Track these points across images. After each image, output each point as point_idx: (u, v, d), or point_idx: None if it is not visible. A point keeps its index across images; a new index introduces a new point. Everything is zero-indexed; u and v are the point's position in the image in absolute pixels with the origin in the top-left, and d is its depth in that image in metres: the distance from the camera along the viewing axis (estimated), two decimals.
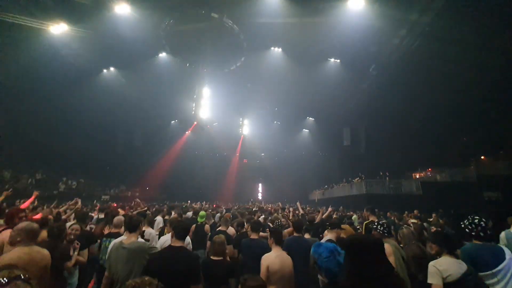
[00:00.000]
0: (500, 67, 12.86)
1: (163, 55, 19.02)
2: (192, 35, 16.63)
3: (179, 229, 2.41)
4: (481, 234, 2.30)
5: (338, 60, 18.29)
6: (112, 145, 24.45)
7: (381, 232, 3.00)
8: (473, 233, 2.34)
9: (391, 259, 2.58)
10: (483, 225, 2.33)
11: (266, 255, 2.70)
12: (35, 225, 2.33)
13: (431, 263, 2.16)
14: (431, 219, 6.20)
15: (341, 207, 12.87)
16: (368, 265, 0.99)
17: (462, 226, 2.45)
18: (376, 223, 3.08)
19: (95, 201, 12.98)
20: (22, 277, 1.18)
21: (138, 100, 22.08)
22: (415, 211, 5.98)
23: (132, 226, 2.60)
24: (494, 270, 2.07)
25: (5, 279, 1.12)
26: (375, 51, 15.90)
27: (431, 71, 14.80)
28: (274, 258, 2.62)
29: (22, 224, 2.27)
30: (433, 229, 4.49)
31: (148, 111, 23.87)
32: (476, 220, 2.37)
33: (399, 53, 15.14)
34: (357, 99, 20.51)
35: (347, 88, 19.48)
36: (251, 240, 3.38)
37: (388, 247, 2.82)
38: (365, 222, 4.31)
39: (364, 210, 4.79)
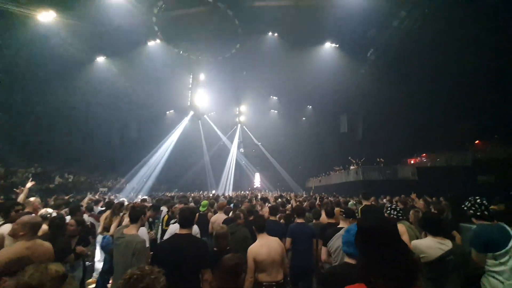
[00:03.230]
0: (499, 51, 12.75)
1: (155, 42, 18.40)
2: (185, 21, 16.05)
3: (181, 218, 2.43)
4: (486, 213, 2.38)
5: (336, 45, 17.93)
6: (107, 137, 24.11)
7: (394, 216, 3.13)
8: (478, 213, 2.41)
9: (405, 237, 2.69)
10: (486, 204, 2.42)
11: (250, 247, 2.70)
12: (39, 219, 2.27)
13: (413, 242, 2.32)
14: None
15: (343, 195, 12.94)
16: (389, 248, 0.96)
17: (465, 208, 2.53)
18: (389, 208, 3.22)
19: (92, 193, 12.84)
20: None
21: (132, 90, 21.59)
22: (413, 195, 6.04)
23: (134, 217, 2.59)
24: (507, 248, 2.14)
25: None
26: (374, 35, 15.60)
27: (429, 56, 14.63)
28: (259, 248, 2.64)
29: (26, 218, 2.19)
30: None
31: (143, 102, 23.41)
32: (479, 200, 2.45)
33: (398, 36, 14.88)
34: (355, 85, 20.32)
35: (344, 74, 19.26)
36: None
37: (401, 226, 2.91)
38: (360, 207, 4.41)
39: (360, 195, 4.90)
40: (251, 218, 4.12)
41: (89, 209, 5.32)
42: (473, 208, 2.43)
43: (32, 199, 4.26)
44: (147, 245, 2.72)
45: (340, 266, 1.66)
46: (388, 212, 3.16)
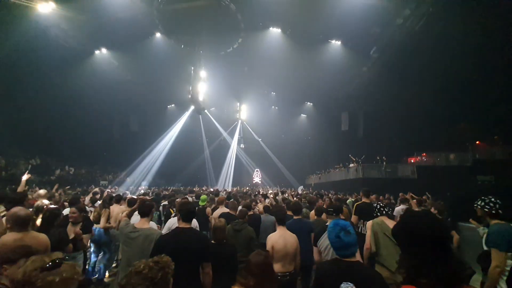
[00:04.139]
0: (501, 51, 12.63)
1: (157, 36, 18.25)
2: (187, 14, 15.89)
3: (184, 212, 2.44)
4: (500, 212, 2.37)
5: (339, 42, 17.77)
6: (108, 130, 24.13)
7: (378, 213, 3.18)
8: (493, 212, 2.38)
9: (368, 233, 2.96)
10: (500, 203, 2.39)
11: (270, 235, 2.87)
12: (24, 212, 2.15)
13: None
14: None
15: (342, 192, 12.91)
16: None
17: (479, 206, 2.49)
18: (377, 206, 3.24)
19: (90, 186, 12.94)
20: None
21: (133, 84, 21.50)
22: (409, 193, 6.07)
23: (144, 211, 2.65)
24: None
25: (50, 263, 1.12)
26: (378, 33, 15.45)
27: (431, 55, 14.50)
28: (278, 238, 2.80)
29: (13, 210, 2.15)
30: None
31: (144, 95, 23.34)
32: (493, 199, 2.43)
33: (402, 35, 14.75)
34: (357, 83, 20.21)
35: (347, 71, 19.14)
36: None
37: (368, 222, 3.14)
38: (356, 203, 4.38)
39: (361, 192, 4.87)
40: (250, 213, 4.22)
41: (93, 201, 5.28)
42: (488, 207, 2.41)
43: (41, 192, 4.29)
44: None
45: (328, 262, 1.66)
46: (375, 210, 3.23)
